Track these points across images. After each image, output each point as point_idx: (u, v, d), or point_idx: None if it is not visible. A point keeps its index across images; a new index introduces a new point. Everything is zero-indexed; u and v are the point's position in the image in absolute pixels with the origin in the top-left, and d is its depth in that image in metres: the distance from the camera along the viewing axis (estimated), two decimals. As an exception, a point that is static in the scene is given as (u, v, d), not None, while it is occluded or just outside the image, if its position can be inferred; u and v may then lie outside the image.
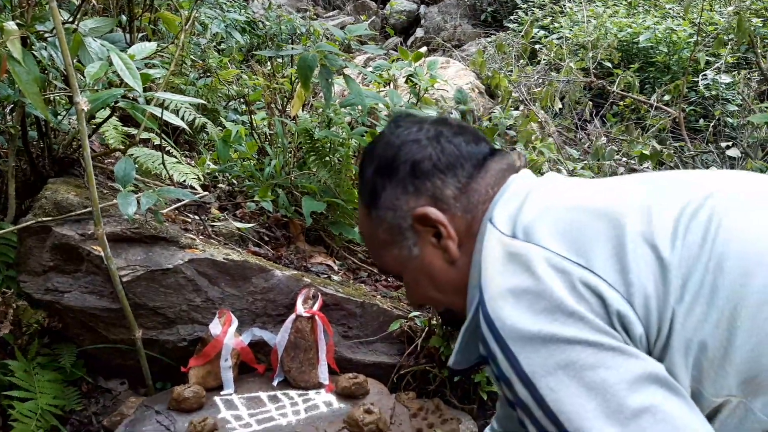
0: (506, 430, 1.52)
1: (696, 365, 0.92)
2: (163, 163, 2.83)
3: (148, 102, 2.44)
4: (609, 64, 5.55)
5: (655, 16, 6.16)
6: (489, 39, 7.68)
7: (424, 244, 1.16)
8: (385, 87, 4.24)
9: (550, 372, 0.90)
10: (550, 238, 0.98)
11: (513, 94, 4.87)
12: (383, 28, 9.38)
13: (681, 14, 6.33)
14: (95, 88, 2.61)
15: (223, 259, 2.38)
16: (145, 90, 2.28)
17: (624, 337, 0.91)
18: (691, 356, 0.91)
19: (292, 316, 2.32)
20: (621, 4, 6.85)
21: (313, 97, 4.57)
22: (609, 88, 5.08)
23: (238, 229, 2.81)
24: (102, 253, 2.16)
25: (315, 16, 9.81)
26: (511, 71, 5.43)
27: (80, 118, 2.03)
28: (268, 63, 5.10)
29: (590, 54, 5.37)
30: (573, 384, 0.88)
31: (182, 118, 3.28)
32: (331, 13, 10.07)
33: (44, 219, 2.28)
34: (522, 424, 0.96)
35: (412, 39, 9.24)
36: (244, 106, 4.39)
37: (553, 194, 1.09)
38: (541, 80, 5.31)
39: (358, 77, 5.20)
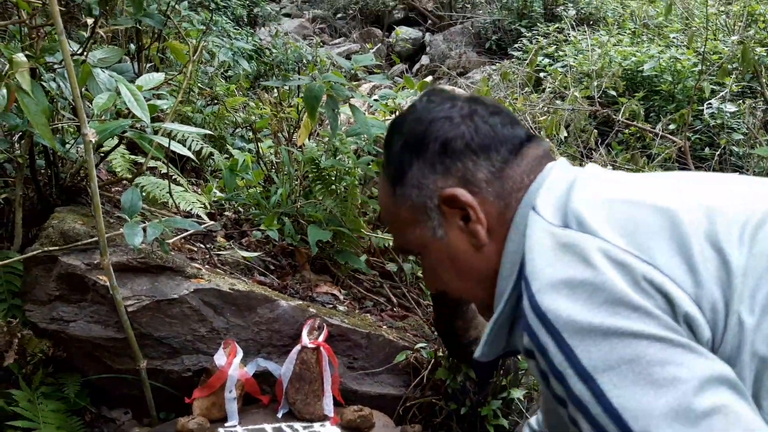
0: (550, 430, 1.44)
1: (757, 380, 0.89)
2: (170, 192, 2.84)
3: (155, 132, 2.46)
4: (614, 93, 5.57)
5: (659, 45, 6.20)
6: (494, 67, 7.73)
7: (450, 227, 1.10)
8: (390, 115, 4.27)
9: (612, 367, 0.85)
10: (608, 229, 0.93)
11: (518, 123, 4.88)
12: (389, 55, 9.47)
13: (685, 43, 6.36)
14: (103, 118, 2.64)
15: (229, 289, 2.38)
16: (152, 120, 2.30)
17: (692, 338, 0.88)
18: (754, 370, 0.88)
19: (297, 347, 2.31)
20: (625, 33, 6.90)
21: (319, 126, 4.59)
22: (614, 116, 5.10)
23: (244, 258, 2.81)
24: (108, 283, 2.15)
25: (321, 44, 9.92)
26: (516, 99, 5.45)
27: (88, 150, 2.04)
28: (275, 90, 5.13)
29: (595, 83, 5.40)
30: (639, 380, 0.84)
31: (189, 147, 3.30)
32: (337, 41, 10.18)
33: (51, 248, 2.28)
34: (574, 422, 0.92)
35: (417, 66, 9.32)
36: (250, 134, 4.43)
37: (602, 185, 1.04)
38: (546, 108, 5.33)
39: (364, 105, 5.23)
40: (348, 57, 8.88)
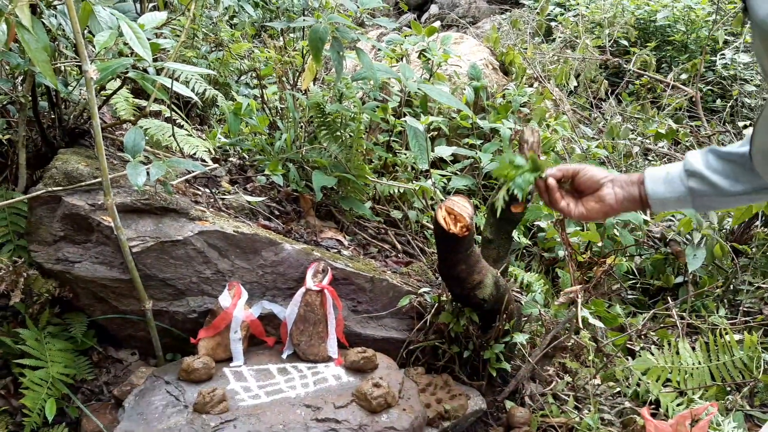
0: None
1: None
2: (174, 135, 2.81)
3: (158, 72, 2.42)
4: (625, 42, 5.46)
5: (674, -6, 6.04)
6: (504, 16, 7.57)
7: None
8: (397, 62, 4.20)
9: None
10: None
11: (527, 72, 4.80)
12: (397, 3, 9.27)
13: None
14: (105, 57, 2.60)
15: (234, 231, 2.37)
16: (155, 60, 2.26)
17: None
18: None
19: (302, 290, 2.31)
20: (639, -19, 6.73)
21: (324, 72, 4.53)
22: (625, 66, 5.01)
23: (249, 202, 2.79)
24: (112, 224, 2.15)
25: (328, -8, 9.72)
26: (526, 48, 5.35)
27: (89, 87, 2.01)
28: (280, 37, 5.05)
29: (606, 32, 5.29)
30: None
31: (193, 90, 3.26)
32: (344, -11, 9.95)
33: (54, 189, 2.27)
34: None
35: (426, 15, 9.13)
36: (255, 81, 4.37)
37: None
38: (556, 58, 5.23)
39: (371, 52, 5.15)
40: (354, 2, 8.68)
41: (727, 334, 2.62)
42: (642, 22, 5.79)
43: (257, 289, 2.40)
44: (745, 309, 3.05)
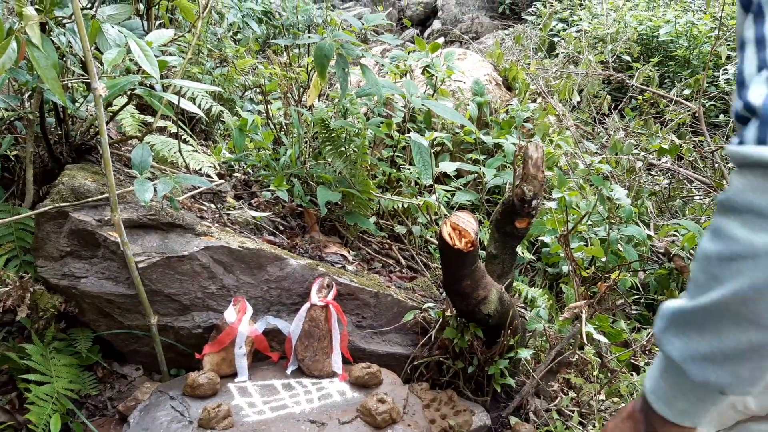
0: None
1: None
2: (180, 151, 2.83)
3: (164, 89, 2.44)
4: (628, 58, 5.49)
5: (676, 10, 6.09)
6: (507, 31, 7.62)
7: None
8: (401, 78, 4.23)
9: None
10: None
11: (530, 87, 4.83)
12: (400, 19, 9.34)
13: (702, 8, 6.24)
14: (113, 75, 2.63)
15: (239, 246, 2.38)
16: (162, 77, 2.29)
17: None
18: None
19: (307, 305, 2.32)
20: (641, -3, 6.78)
21: (329, 88, 4.56)
22: (628, 81, 5.03)
23: (254, 217, 2.81)
24: (118, 239, 2.17)
25: (332, 7, 9.80)
26: (529, 64, 5.38)
27: (98, 104, 2.03)
28: (285, 53, 5.09)
29: (609, 47, 5.31)
30: None
31: (198, 107, 3.29)
32: (347, 4, 10.04)
33: (62, 204, 2.29)
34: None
35: (429, 31, 9.20)
36: (260, 96, 4.40)
37: None
38: (559, 73, 5.26)
39: (375, 68, 5.18)
40: (359, 19, 8.77)
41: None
42: (644, 37, 5.82)
43: (262, 305, 2.41)
44: None
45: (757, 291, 0.73)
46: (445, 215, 3.00)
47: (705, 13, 5.96)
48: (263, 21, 6.94)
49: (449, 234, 2.12)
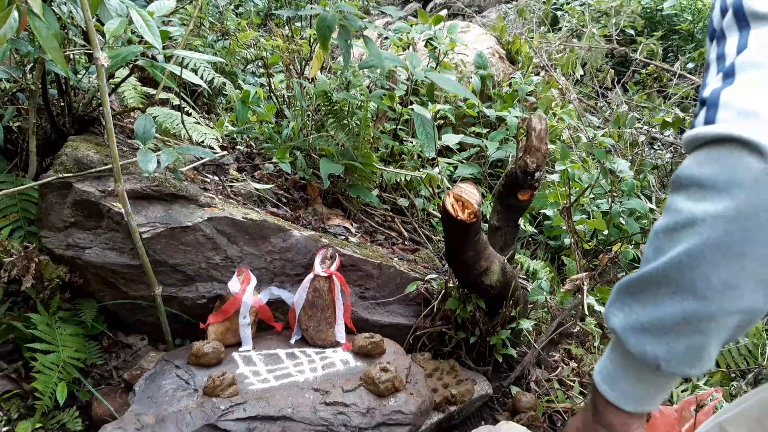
0: None
1: None
2: (183, 123, 2.83)
3: (167, 60, 2.43)
4: (632, 32, 5.44)
5: (681, -18, 6.02)
6: (510, 5, 7.55)
7: None
8: (404, 51, 4.20)
9: None
10: None
11: (534, 60, 4.80)
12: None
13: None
14: (114, 45, 2.61)
15: (242, 218, 2.39)
16: (164, 49, 2.28)
17: None
18: None
19: (310, 276, 2.33)
20: (646, -31, 6.69)
21: (332, 60, 4.53)
22: (631, 55, 5.00)
23: (257, 190, 2.81)
24: (122, 210, 2.17)
25: (333, -19, 9.69)
26: (532, 37, 5.34)
27: (100, 74, 2.02)
28: (287, 26, 5.06)
29: (613, 20, 5.27)
30: None
31: (201, 78, 3.27)
32: (349, -22, 9.92)
33: (65, 175, 2.29)
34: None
35: (431, 4, 9.10)
36: (262, 69, 4.38)
37: None
38: (562, 46, 5.22)
39: (377, 40, 5.14)
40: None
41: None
42: (648, 11, 5.77)
43: (266, 275, 2.42)
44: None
45: (693, 257, 0.77)
46: (448, 188, 3.00)
47: (710, -14, 5.90)
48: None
49: (452, 205, 2.12)
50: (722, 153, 0.77)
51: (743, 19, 0.88)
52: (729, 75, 0.83)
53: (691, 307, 0.80)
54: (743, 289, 0.78)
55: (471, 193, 2.16)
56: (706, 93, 0.84)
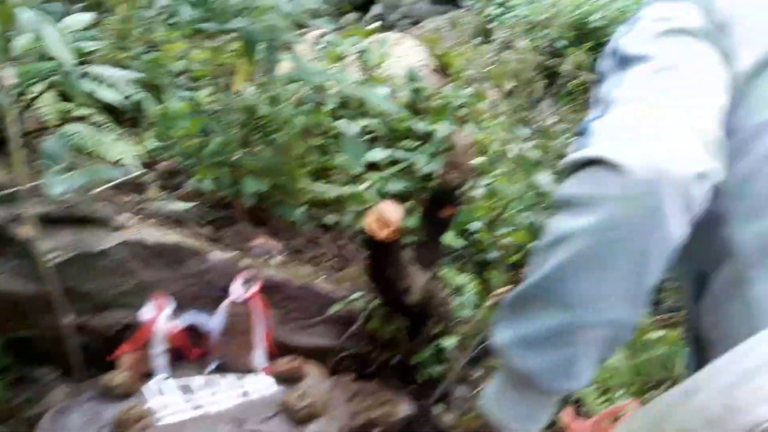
0: None
1: None
2: (99, 141, 2.74)
3: (83, 76, 2.35)
4: (562, 44, 5.56)
5: (609, -4, 6.17)
6: (446, 16, 7.62)
7: None
8: (337, 62, 4.18)
9: None
10: None
11: (466, 73, 4.84)
12: (341, 2, 9.23)
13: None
14: (26, 61, 2.51)
15: (158, 241, 2.33)
16: (81, 64, 2.20)
17: None
18: None
19: (229, 300, 2.28)
20: (576, -18, 6.84)
21: (262, 75, 4.47)
22: (561, 67, 5.10)
23: (177, 209, 2.74)
24: (30, 235, 2.09)
25: (271, -11, 9.60)
26: (465, 50, 5.40)
27: (5, 93, 1.94)
28: (221, 37, 4.98)
29: (543, 33, 5.37)
30: None
31: (121, 93, 3.18)
32: (288, -14, 9.85)
33: (-33, 200, 2.19)
34: None
35: (369, 15, 9.12)
36: (191, 82, 4.29)
37: None
38: (494, 59, 5.29)
39: (311, 53, 5.11)
40: (290, 1, 8.59)
41: (650, 331, 2.69)
42: (578, 23, 5.89)
43: (183, 300, 2.35)
44: (668, 306, 3.13)
45: (562, 270, 0.82)
46: (370, 206, 2.99)
47: None
48: (198, 4, 6.76)
49: (373, 223, 2.11)
50: (590, 173, 0.83)
51: (621, 61, 0.97)
52: (606, 108, 0.91)
53: (561, 319, 0.84)
54: (608, 301, 0.82)
55: (392, 211, 2.15)
56: (584, 126, 0.92)
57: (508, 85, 4.93)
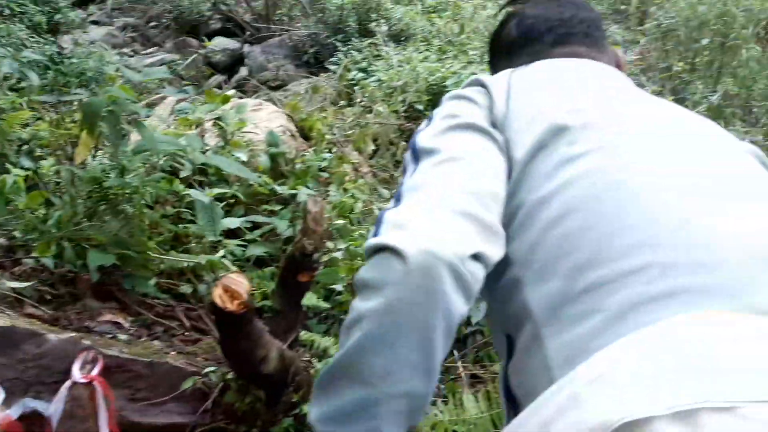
0: None
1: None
2: None
3: None
4: (420, 107, 5.80)
5: (462, 62, 6.55)
6: (311, 80, 7.77)
7: None
8: (192, 129, 4.14)
9: None
10: None
11: (327, 136, 4.94)
12: (206, 65, 9.21)
13: (486, 59, 6.76)
14: None
15: (-13, 325, 2.16)
16: None
17: None
18: None
19: (68, 384, 2.14)
20: (432, 49, 7.21)
21: (109, 145, 4.35)
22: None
23: (13, 289, 2.57)
24: None
25: (132, 53, 9.44)
26: (327, 114, 5.52)
27: None
28: (71, 104, 4.80)
29: (400, 97, 5.60)
30: None
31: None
32: (150, 50, 9.73)
33: None
34: None
35: (235, 77, 9.15)
36: (37, 151, 4.08)
37: None
38: (356, 122, 5.44)
39: (169, 117, 5.03)
40: (139, 73, 8.50)
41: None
42: (435, 87, 6.18)
43: (18, 387, 2.18)
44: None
45: (359, 347, 0.89)
46: (216, 279, 2.94)
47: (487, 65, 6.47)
48: (51, 68, 6.52)
49: (220, 296, 2.08)
50: (379, 259, 0.91)
51: (416, 154, 1.07)
52: (398, 199, 1.00)
53: (362, 394, 0.90)
54: (401, 375, 0.89)
55: (239, 282, 2.13)
56: (380, 214, 0.99)
57: (369, 148, 5.07)
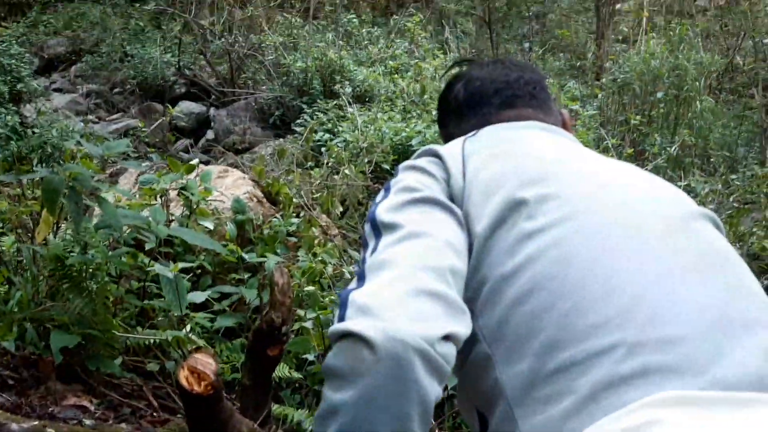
0: None
1: None
2: None
3: None
4: (387, 167, 5.86)
5: (425, 121, 6.65)
6: (278, 142, 7.82)
7: None
8: (156, 200, 4.10)
9: None
10: None
11: (294, 200, 4.94)
12: (172, 130, 9.22)
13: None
14: None
15: (-59, 420, 2.07)
16: None
17: None
18: None
19: (28, 478, 2.05)
20: (396, 109, 7.33)
21: (70, 221, 4.29)
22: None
23: (-29, 376, 2.48)
24: None
25: (97, 120, 9.42)
26: (292, 178, 5.54)
27: None
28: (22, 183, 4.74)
29: (366, 159, 5.65)
30: None
31: None
32: (114, 116, 9.73)
33: None
34: None
35: (202, 141, 9.17)
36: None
37: None
38: (323, 184, 5.46)
39: (133, 188, 4.99)
40: (126, 133, 8.55)
41: None
42: (400, 147, 6.26)
43: (-26, 484, 2.09)
44: None
45: None
46: (184, 358, 2.88)
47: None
48: (13, 138, 6.47)
49: (186, 378, 2.02)
50: (348, 346, 0.88)
51: (376, 228, 1.04)
52: (361, 278, 0.97)
53: None
54: None
55: (206, 362, 2.08)
56: (343, 295, 0.96)
57: (338, 209, 5.08)
